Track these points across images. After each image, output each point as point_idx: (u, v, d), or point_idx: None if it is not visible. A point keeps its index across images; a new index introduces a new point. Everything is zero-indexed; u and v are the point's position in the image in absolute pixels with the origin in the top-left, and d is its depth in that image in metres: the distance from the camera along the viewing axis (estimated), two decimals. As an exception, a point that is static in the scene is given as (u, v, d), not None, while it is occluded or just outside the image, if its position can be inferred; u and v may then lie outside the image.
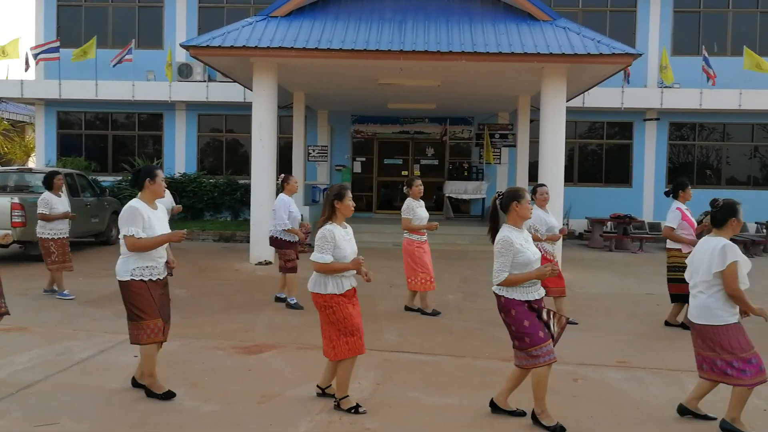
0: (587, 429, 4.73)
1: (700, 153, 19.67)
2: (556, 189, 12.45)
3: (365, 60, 12.20)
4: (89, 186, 14.40)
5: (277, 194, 9.76)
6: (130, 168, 18.91)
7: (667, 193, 8.24)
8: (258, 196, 12.57)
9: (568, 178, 16.81)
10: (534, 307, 4.73)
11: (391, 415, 4.88)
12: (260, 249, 12.40)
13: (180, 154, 20.01)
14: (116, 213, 14.83)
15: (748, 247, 15.80)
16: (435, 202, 19.81)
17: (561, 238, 7.90)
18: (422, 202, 8.52)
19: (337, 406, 4.94)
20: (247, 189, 16.83)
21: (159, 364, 5.39)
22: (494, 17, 12.92)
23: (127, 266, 5.04)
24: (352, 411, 4.87)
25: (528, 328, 4.65)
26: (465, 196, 18.98)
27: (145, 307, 5.04)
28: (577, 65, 12.22)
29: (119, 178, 19.11)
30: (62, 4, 19.73)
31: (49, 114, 20.14)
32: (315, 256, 4.86)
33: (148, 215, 5.06)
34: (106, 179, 18.49)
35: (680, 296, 7.62)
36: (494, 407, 4.95)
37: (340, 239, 4.89)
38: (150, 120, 20.27)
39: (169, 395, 5.11)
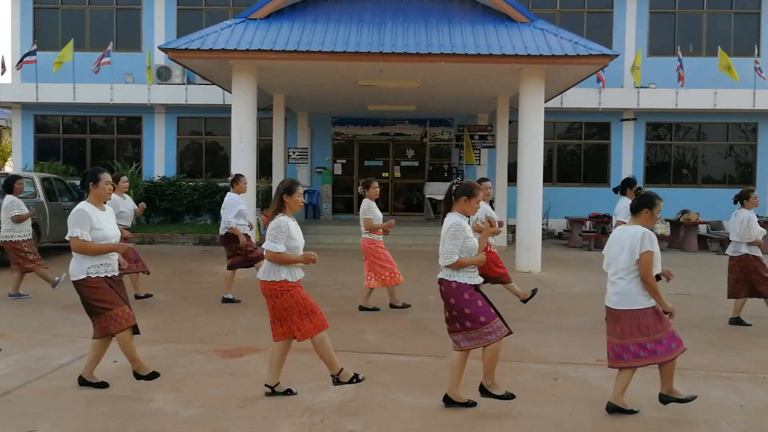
0: (568, 427, 4.77)
1: (677, 152, 19.91)
2: (535, 189, 12.57)
3: (345, 62, 12.21)
4: (67, 190, 14.26)
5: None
6: (109, 172, 18.73)
7: (615, 190, 8.45)
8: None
9: (547, 179, 16.93)
10: (478, 290, 4.97)
11: (372, 417, 4.90)
12: (241, 252, 12.34)
13: (159, 157, 19.88)
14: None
15: (724, 245, 15.99)
16: (406, 203, 19.91)
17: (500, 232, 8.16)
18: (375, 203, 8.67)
19: (337, 381, 5.15)
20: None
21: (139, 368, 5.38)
22: (473, 19, 12.99)
23: (82, 265, 5.15)
24: (354, 381, 5.17)
25: (481, 307, 4.87)
26: (445, 197, 19.02)
27: (107, 298, 5.15)
28: (555, 66, 12.34)
29: (98, 181, 18.89)
30: (39, 7, 19.53)
31: (26, 118, 19.91)
32: (268, 246, 5.00)
33: (97, 217, 5.20)
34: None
35: None
36: (449, 401, 5.04)
37: (293, 230, 5.04)
38: (129, 123, 20.12)
39: (153, 375, 5.30)
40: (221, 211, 9.11)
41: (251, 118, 12.75)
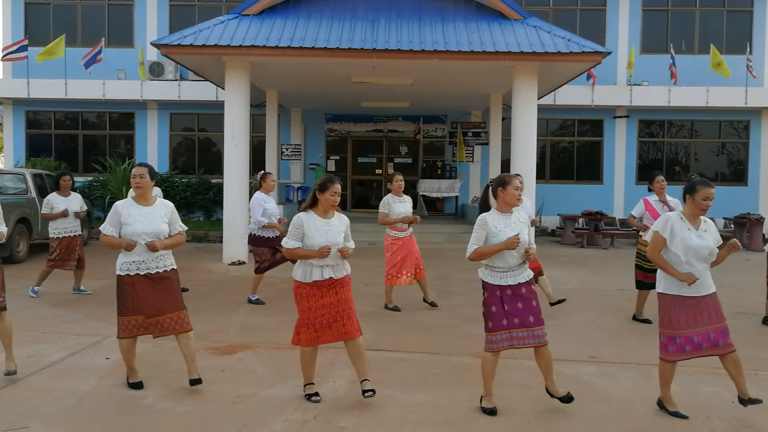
0: (561, 424, 4.78)
1: (669, 150, 19.97)
2: (528, 186, 12.54)
3: (338, 58, 12.19)
4: (59, 186, 14.17)
5: (251, 192, 9.73)
6: (101, 168, 18.71)
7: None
8: (231, 196, 12.50)
9: (540, 176, 16.98)
10: (520, 292, 4.85)
11: (365, 413, 4.89)
12: (233, 249, 12.34)
13: (152, 153, 19.80)
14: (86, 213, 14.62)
15: (717, 242, 16.05)
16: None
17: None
18: (404, 198, 8.50)
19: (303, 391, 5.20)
20: (220, 188, 16.70)
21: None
22: (466, 16, 13.00)
23: (120, 261, 5.30)
24: (307, 396, 5.10)
25: (494, 313, 4.83)
26: (439, 194, 19.06)
27: (124, 303, 5.24)
28: (548, 63, 12.35)
29: (90, 178, 18.87)
30: (30, 2, 19.43)
31: (18, 113, 19.81)
32: (283, 241, 5.11)
33: (129, 212, 5.25)
34: (77, 179, 18.18)
35: (644, 284, 7.89)
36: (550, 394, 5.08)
37: (310, 228, 4.97)
38: (121, 119, 20.04)
39: (135, 386, 5.32)
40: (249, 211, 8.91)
41: (244, 115, 12.72)
